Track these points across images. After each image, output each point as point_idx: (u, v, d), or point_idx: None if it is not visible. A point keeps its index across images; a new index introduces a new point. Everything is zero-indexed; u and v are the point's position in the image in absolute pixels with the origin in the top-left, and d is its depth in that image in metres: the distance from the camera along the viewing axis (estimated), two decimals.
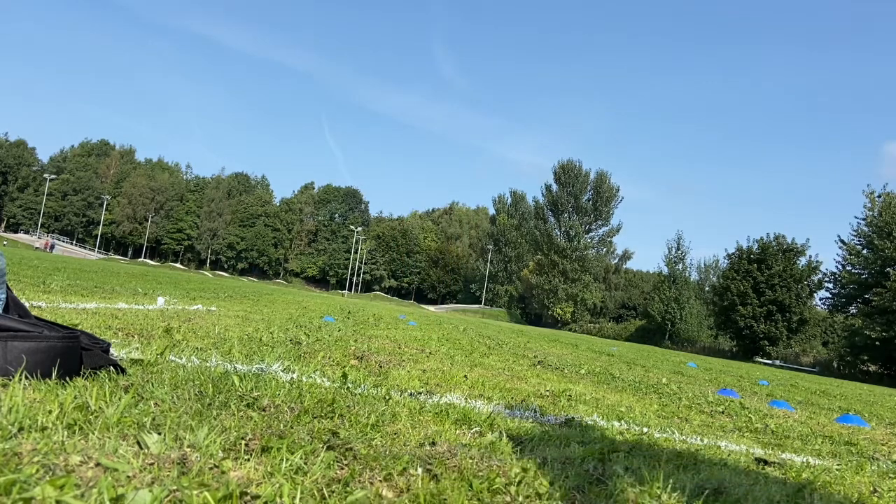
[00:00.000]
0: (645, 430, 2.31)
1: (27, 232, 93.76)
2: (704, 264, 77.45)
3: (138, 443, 1.15)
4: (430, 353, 4.57)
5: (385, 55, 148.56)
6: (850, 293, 48.90)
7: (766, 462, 1.97)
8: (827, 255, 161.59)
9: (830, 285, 51.23)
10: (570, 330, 65.76)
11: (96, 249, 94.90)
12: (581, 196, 75.98)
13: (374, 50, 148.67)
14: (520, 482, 1.24)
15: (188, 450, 1.14)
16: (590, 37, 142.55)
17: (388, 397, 2.08)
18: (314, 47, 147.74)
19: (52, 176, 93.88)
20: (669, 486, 1.38)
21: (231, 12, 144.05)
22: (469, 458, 1.34)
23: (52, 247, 66.06)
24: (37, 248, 64.48)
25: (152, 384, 1.67)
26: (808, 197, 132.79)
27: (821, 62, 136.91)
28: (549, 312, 73.05)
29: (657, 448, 1.94)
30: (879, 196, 47.60)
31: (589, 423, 2.26)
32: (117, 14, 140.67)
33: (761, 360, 50.37)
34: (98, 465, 1.00)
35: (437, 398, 2.27)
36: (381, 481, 1.16)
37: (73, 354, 1.67)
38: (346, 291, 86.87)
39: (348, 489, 1.08)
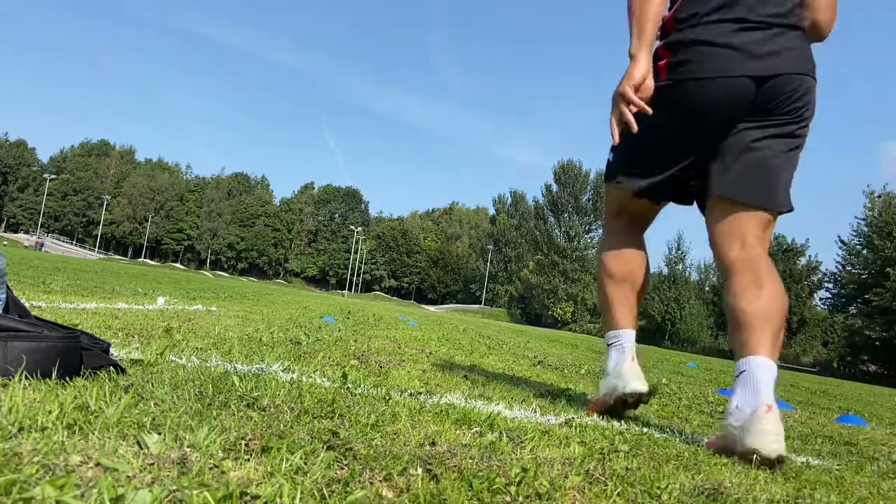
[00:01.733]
0: (645, 430, 2.31)
1: (27, 232, 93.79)
2: (704, 264, 77.49)
3: (138, 443, 1.15)
4: (430, 353, 4.57)
5: (385, 55, 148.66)
6: (849, 293, 48.96)
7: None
8: (827, 256, 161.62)
9: (830, 285, 51.34)
10: (570, 330, 65.77)
11: (96, 249, 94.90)
12: (581, 196, 76.02)
13: (374, 50, 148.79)
14: (520, 482, 1.24)
15: (188, 450, 1.14)
16: (590, 36, 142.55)
17: (388, 397, 2.08)
18: (314, 47, 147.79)
19: (52, 176, 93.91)
20: (669, 485, 1.39)
21: (231, 12, 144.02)
22: (469, 458, 1.34)
23: (42, 245, 66.16)
24: (26, 246, 64.63)
25: (152, 384, 1.67)
26: (808, 197, 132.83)
27: (821, 60, 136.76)
28: (549, 312, 73.06)
29: (657, 448, 1.94)
30: (879, 196, 47.65)
31: (589, 422, 2.26)
32: (117, 14, 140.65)
33: None
34: (98, 465, 1.00)
35: (437, 398, 2.27)
36: (381, 481, 1.16)
37: (74, 354, 1.67)
38: (346, 291, 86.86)
39: (348, 489, 1.08)
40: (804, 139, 2.20)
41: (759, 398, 1.94)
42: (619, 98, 2.15)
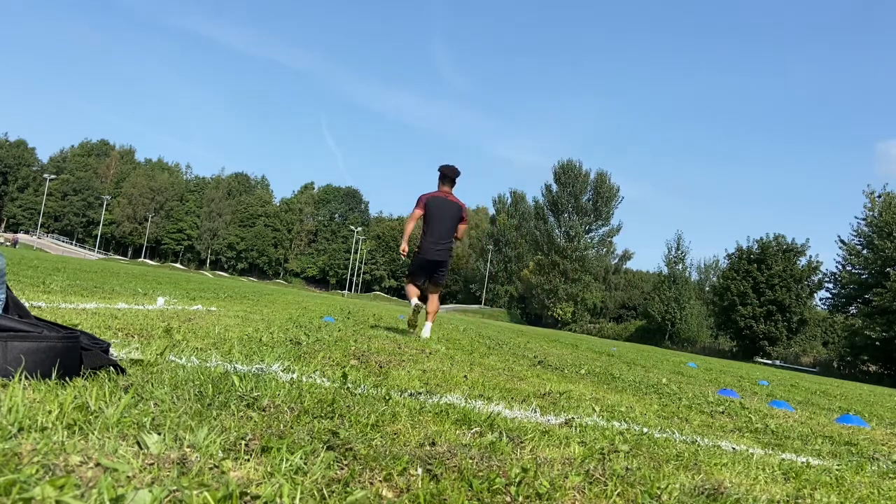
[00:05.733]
0: (645, 430, 2.31)
1: (27, 232, 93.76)
2: (704, 264, 77.60)
3: (138, 443, 1.15)
4: (430, 353, 4.57)
5: (385, 55, 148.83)
6: (850, 293, 48.91)
7: None
8: (827, 256, 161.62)
9: (830, 285, 51.26)
10: (570, 330, 65.73)
11: (96, 249, 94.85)
12: (581, 196, 75.89)
13: (374, 50, 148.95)
14: (520, 482, 1.24)
15: (188, 450, 1.14)
16: (590, 36, 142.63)
17: (388, 397, 2.08)
18: (314, 47, 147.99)
19: (52, 176, 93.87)
20: (669, 486, 1.38)
21: (230, 12, 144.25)
22: (469, 459, 1.34)
23: (16, 243, 66.05)
24: (0, 243, 64.65)
25: (152, 384, 1.67)
26: (809, 197, 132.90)
27: (820, 60, 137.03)
28: (549, 313, 72.99)
29: (657, 448, 1.94)
30: (879, 196, 47.62)
31: (589, 423, 2.26)
32: (117, 14, 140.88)
33: (761, 360, 50.40)
34: (98, 465, 1.00)
35: (437, 398, 2.27)
36: (381, 481, 1.16)
37: (73, 354, 1.67)
38: (345, 291, 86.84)
39: (348, 489, 1.08)
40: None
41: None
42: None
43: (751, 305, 53.22)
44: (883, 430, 3.98)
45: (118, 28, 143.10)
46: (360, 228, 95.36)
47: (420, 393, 2.35)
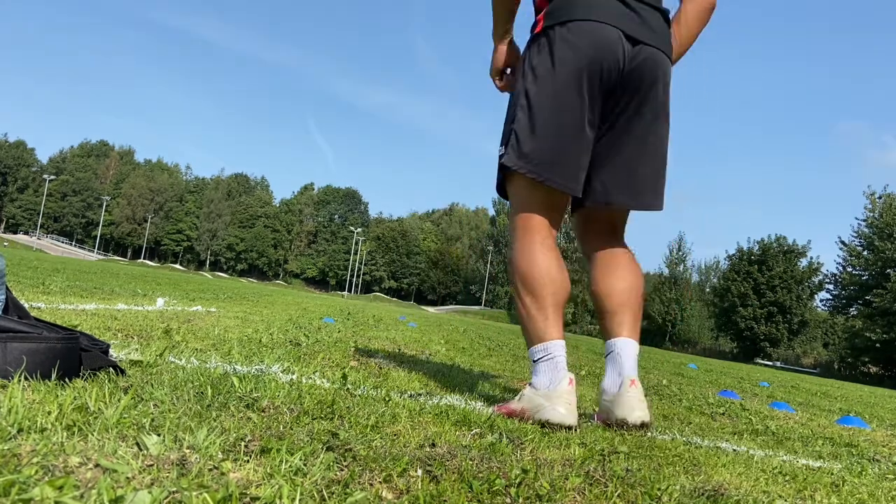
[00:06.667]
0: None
1: (26, 233, 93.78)
2: (705, 265, 77.74)
3: (137, 444, 1.14)
4: (430, 354, 4.57)
5: (386, 57, 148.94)
6: (850, 294, 48.95)
7: None
8: (827, 256, 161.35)
9: (831, 286, 51.31)
10: (570, 331, 65.71)
11: (95, 250, 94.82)
12: None
13: (375, 52, 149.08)
14: (520, 483, 1.24)
15: (187, 451, 1.14)
16: None
17: (387, 399, 2.08)
18: (315, 48, 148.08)
19: (52, 177, 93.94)
20: (669, 487, 1.38)
21: (231, 13, 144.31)
22: (469, 460, 1.34)
23: None
24: None
25: (152, 385, 1.67)
26: (810, 197, 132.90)
27: (821, 61, 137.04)
28: None
29: (657, 449, 1.93)
30: (880, 197, 47.68)
31: (589, 424, 2.26)
32: (118, 15, 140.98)
33: (762, 361, 50.41)
34: (97, 466, 1.00)
35: (437, 399, 2.27)
36: (380, 483, 1.16)
37: (73, 355, 1.66)
38: (345, 292, 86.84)
39: (348, 490, 1.07)
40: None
41: (623, 374, 2.19)
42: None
43: (751, 307, 53.23)
44: (883, 432, 3.97)
45: (119, 29, 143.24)
46: (359, 229, 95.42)
47: (420, 394, 2.34)
